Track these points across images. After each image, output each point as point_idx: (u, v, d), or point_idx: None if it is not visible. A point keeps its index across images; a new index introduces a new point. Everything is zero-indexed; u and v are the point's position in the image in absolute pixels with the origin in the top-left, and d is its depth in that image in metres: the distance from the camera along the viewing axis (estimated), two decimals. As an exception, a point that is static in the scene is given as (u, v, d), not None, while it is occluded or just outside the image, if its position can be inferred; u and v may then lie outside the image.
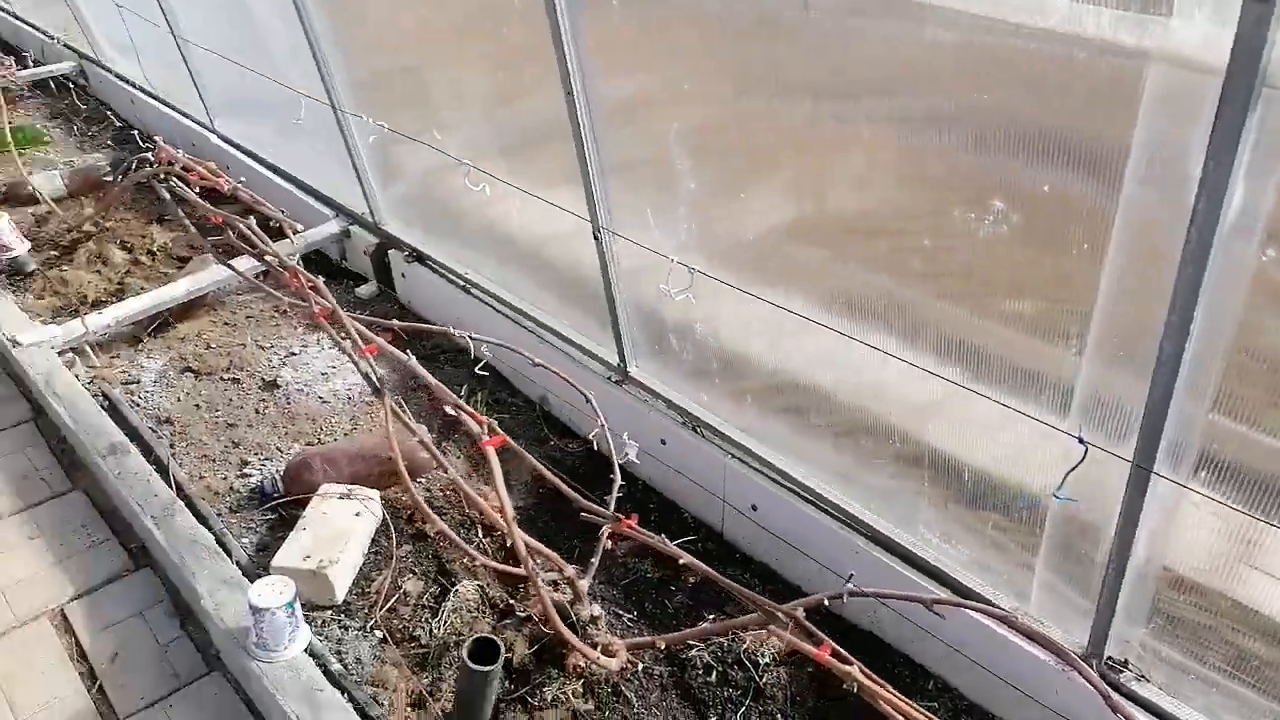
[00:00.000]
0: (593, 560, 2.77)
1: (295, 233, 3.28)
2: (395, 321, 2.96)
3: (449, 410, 2.47)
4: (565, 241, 3.24)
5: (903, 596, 2.37)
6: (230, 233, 3.27)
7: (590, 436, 2.54)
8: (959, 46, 1.83)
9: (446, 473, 2.41)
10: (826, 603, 2.28)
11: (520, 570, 2.64)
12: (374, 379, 2.63)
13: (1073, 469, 1.99)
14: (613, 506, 2.53)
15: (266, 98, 4.51)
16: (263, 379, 3.85)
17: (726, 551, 3.14)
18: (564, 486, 2.43)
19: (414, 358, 2.57)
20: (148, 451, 3.42)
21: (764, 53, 2.16)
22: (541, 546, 2.66)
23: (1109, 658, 2.25)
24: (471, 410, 2.40)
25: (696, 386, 3.10)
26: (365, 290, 4.39)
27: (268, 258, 3.10)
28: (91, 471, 3.11)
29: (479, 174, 3.26)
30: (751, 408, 2.94)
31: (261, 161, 5.05)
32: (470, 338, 2.91)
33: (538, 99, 2.95)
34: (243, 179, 3.50)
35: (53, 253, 4.80)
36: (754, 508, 2.99)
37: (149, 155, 4.12)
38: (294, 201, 4.79)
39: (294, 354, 3.99)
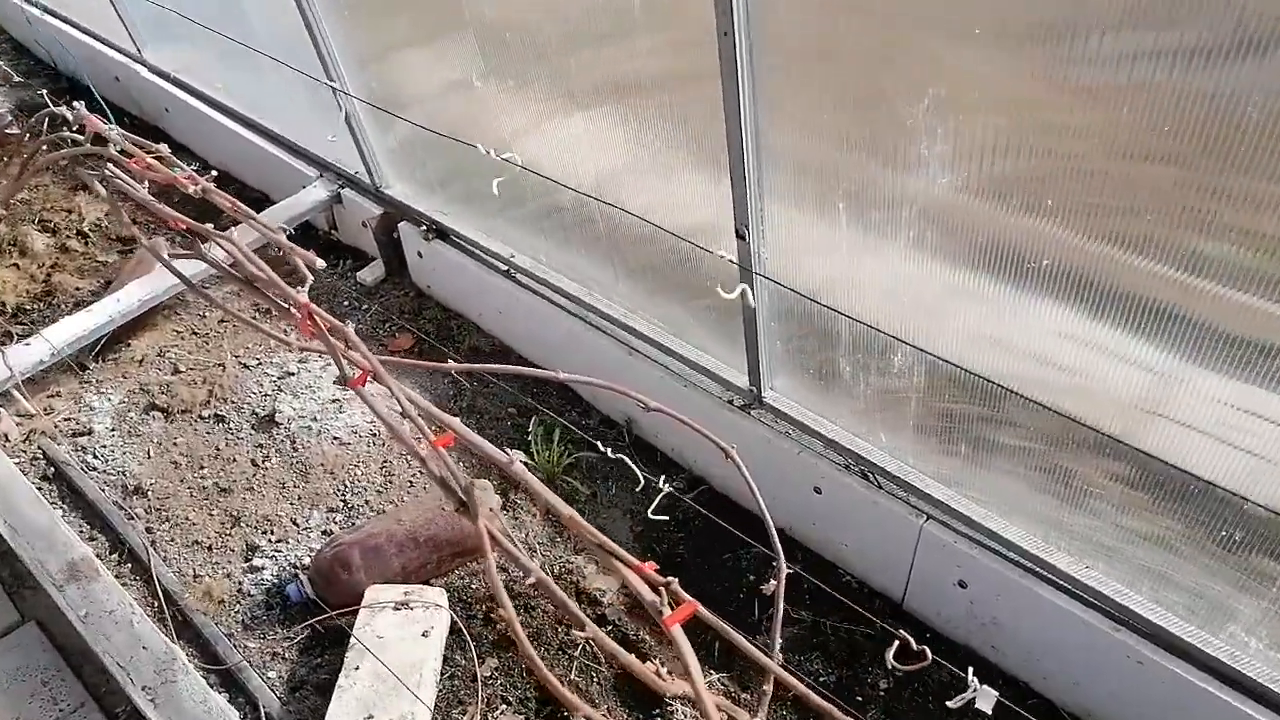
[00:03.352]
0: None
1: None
2: (452, 364, 2.06)
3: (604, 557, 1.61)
4: (670, 215, 2.32)
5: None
6: (205, 245, 2.29)
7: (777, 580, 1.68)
8: None
9: (552, 595, 1.59)
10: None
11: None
12: (457, 485, 1.76)
13: None
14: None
15: (213, 15, 3.40)
16: (255, 414, 2.94)
17: (911, 629, 2.38)
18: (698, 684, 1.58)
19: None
20: (118, 545, 2.54)
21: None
22: (701, 692, 1.86)
23: None
24: (638, 564, 1.55)
25: (869, 421, 2.26)
26: (369, 275, 3.42)
27: (271, 293, 2.15)
28: (47, 595, 2.24)
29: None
30: (960, 451, 2.12)
31: (212, 104, 3.95)
32: (561, 377, 2.02)
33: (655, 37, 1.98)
34: (194, 167, 2.42)
35: (-46, 240, 3.75)
36: (962, 584, 2.22)
37: (64, 112, 3.03)
38: (260, 157, 3.75)
39: (290, 374, 3.06)
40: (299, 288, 2.19)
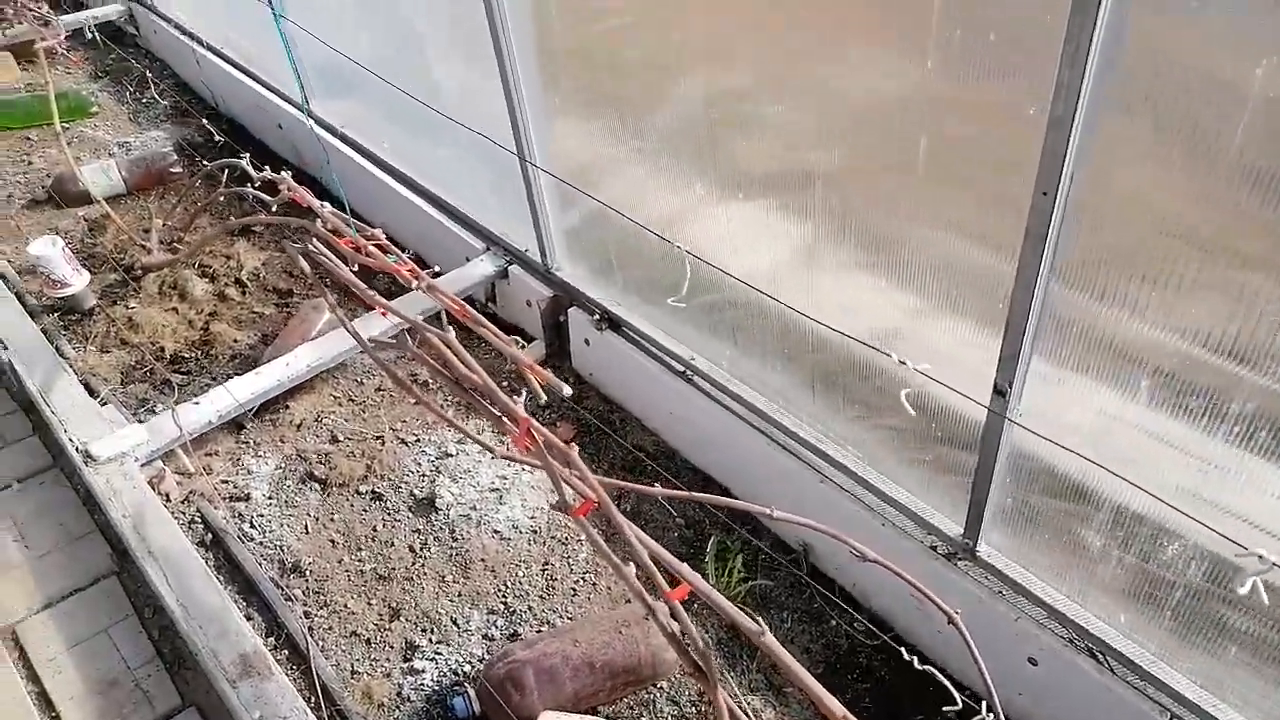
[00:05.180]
0: None
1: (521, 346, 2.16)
2: (659, 489, 1.92)
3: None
4: (885, 343, 2.17)
5: None
6: (426, 357, 2.20)
7: None
8: None
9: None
10: None
11: None
12: (698, 653, 1.61)
13: None
14: None
15: (398, 78, 3.39)
16: (413, 495, 2.84)
17: (1127, 828, 2.15)
18: None
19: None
20: (275, 628, 2.44)
21: None
22: None
23: None
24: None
25: (1108, 597, 2.06)
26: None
27: (485, 399, 2.05)
28: (208, 681, 2.14)
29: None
30: (1226, 651, 1.91)
31: (377, 162, 3.95)
32: (774, 515, 1.87)
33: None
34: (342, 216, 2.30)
35: (112, 276, 3.76)
36: (1206, 796, 1.99)
37: (243, 166, 3.00)
38: (422, 221, 3.72)
39: (448, 455, 2.96)
40: (516, 398, 2.10)
